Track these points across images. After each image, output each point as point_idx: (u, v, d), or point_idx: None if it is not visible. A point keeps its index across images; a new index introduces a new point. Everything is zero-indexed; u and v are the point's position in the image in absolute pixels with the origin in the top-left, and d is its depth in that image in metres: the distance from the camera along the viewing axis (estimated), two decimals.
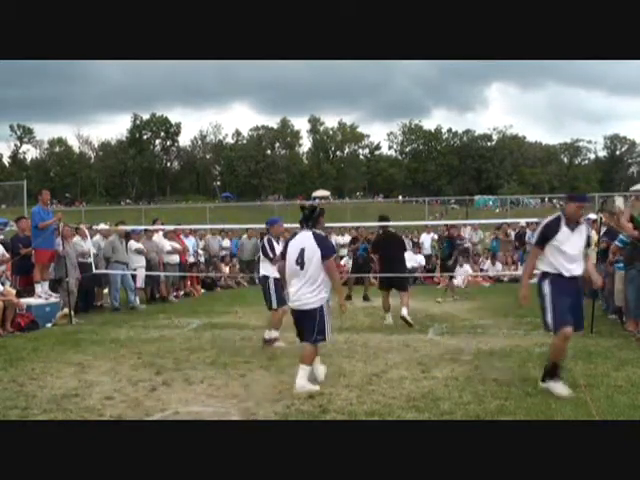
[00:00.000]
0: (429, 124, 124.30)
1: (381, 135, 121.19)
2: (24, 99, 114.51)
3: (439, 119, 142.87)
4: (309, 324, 6.18)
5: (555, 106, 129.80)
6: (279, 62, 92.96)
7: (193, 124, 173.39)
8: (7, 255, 10.87)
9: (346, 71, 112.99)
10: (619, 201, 9.15)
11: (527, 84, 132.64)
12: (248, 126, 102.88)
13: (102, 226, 13.69)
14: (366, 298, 13.44)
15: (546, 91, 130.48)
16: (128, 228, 13.58)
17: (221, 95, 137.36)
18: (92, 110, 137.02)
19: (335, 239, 18.91)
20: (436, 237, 19.35)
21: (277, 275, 8.22)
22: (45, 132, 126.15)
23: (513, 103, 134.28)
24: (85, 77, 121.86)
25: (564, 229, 5.90)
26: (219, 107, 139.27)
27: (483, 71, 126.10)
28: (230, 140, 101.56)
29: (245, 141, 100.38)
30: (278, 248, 8.35)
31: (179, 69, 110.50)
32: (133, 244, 13.07)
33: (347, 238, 18.86)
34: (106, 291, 13.16)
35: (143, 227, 15.26)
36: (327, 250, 6.20)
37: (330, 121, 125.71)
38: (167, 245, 14.24)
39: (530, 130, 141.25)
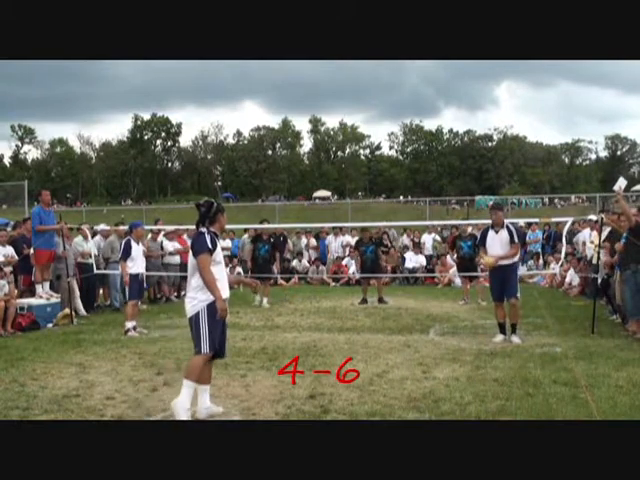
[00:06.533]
0: (440, 123, 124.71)
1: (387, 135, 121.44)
2: (31, 99, 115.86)
3: (450, 118, 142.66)
4: None
5: (566, 105, 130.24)
6: (291, 62, 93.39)
7: (203, 122, 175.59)
8: (16, 257, 10.85)
9: (356, 71, 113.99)
10: (622, 182, 8.92)
11: (538, 82, 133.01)
12: (258, 124, 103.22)
13: (102, 227, 13.69)
14: (382, 300, 13.08)
15: (557, 90, 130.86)
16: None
17: (232, 94, 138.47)
18: (100, 110, 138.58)
19: (342, 239, 18.90)
20: (439, 238, 19.32)
21: None
22: (52, 131, 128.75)
23: (524, 102, 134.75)
24: (93, 76, 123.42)
25: None
26: (230, 106, 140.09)
27: (493, 70, 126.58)
28: (231, 140, 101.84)
29: (246, 141, 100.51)
30: None
31: (188, 68, 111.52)
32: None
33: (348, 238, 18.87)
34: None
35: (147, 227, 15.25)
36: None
37: (332, 121, 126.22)
38: (169, 246, 14.27)
39: (540, 129, 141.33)
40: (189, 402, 5.13)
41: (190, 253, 5.39)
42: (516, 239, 8.54)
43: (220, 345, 5.31)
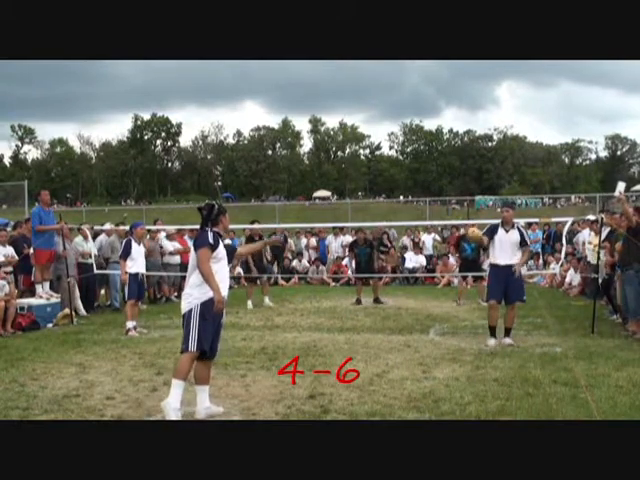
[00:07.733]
0: (440, 123, 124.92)
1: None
2: (31, 99, 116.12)
3: (450, 118, 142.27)
4: None
5: (566, 105, 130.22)
6: (291, 62, 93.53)
7: (203, 122, 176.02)
8: (16, 257, 10.83)
9: (357, 71, 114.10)
10: (621, 186, 8.94)
11: (539, 82, 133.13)
12: (258, 124, 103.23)
13: (107, 225, 13.70)
14: (377, 300, 13.09)
15: (558, 90, 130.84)
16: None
17: (233, 93, 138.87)
18: (100, 110, 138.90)
19: (342, 239, 18.85)
20: (439, 238, 19.31)
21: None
22: (52, 131, 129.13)
23: (524, 102, 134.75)
24: (93, 76, 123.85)
25: None
26: (230, 106, 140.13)
27: (494, 70, 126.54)
28: (231, 140, 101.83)
29: (246, 141, 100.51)
30: None
31: (188, 68, 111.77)
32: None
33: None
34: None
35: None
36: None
37: (332, 121, 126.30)
38: (169, 246, 14.28)
39: (540, 129, 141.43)
40: (178, 402, 5.13)
41: (192, 251, 5.41)
42: (527, 240, 8.51)
43: (211, 345, 5.30)
